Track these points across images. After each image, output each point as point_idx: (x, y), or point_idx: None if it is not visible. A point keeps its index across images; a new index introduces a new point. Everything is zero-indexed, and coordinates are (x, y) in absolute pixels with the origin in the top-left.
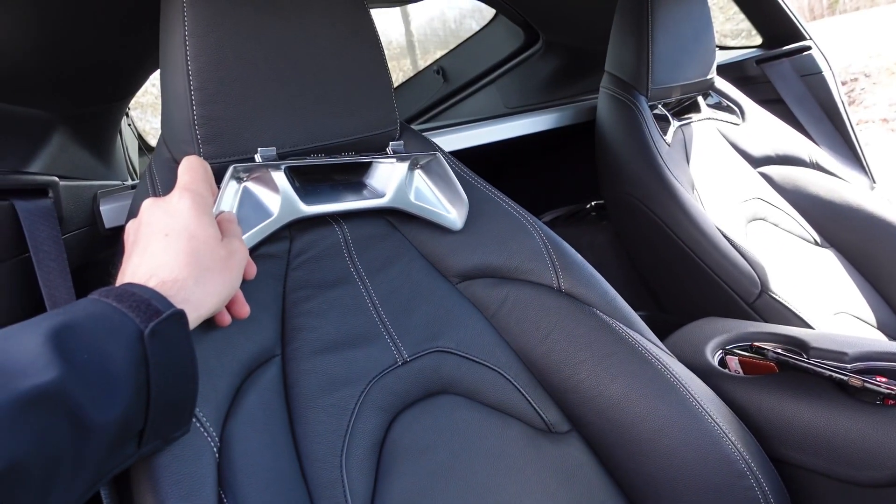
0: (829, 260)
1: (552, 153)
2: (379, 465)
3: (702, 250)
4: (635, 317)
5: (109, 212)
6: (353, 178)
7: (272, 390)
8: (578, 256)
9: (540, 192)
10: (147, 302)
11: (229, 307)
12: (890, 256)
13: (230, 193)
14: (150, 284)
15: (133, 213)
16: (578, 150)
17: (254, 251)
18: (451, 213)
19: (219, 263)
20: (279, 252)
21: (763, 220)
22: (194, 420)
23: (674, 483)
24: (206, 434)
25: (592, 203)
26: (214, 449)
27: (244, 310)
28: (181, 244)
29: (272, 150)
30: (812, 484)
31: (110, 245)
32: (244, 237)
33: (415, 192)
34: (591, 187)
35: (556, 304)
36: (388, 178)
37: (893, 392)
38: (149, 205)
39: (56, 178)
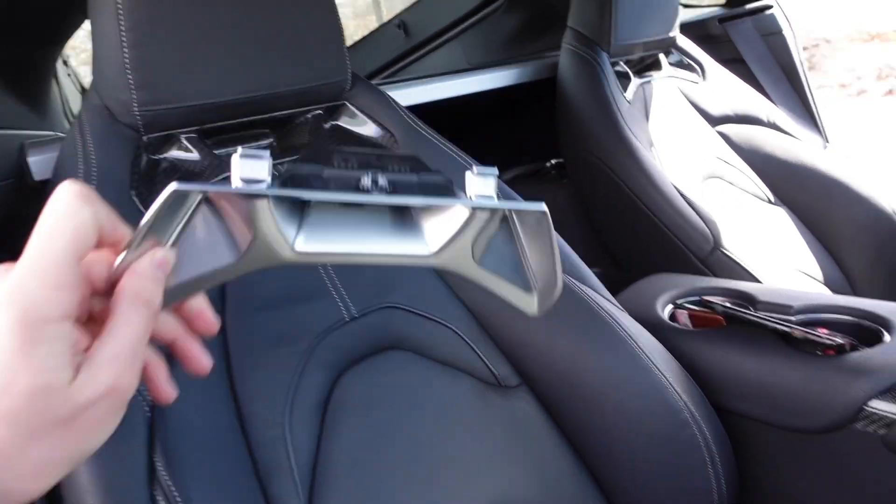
0: (781, 218)
1: (513, 110)
2: (323, 423)
3: (657, 208)
4: (588, 272)
5: (38, 163)
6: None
7: (211, 345)
8: None
9: (501, 151)
10: None
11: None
12: (839, 215)
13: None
14: None
15: (60, 165)
16: (540, 107)
17: None
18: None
19: (56, 426)
20: None
21: (719, 178)
22: None
23: (621, 434)
24: (136, 395)
25: (553, 161)
26: (146, 408)
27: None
28: None
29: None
30: (753, 432)
31: (39, 198)
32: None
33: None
34: (552, 146)
35: None
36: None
37: (833, 342)
38: None
39: None
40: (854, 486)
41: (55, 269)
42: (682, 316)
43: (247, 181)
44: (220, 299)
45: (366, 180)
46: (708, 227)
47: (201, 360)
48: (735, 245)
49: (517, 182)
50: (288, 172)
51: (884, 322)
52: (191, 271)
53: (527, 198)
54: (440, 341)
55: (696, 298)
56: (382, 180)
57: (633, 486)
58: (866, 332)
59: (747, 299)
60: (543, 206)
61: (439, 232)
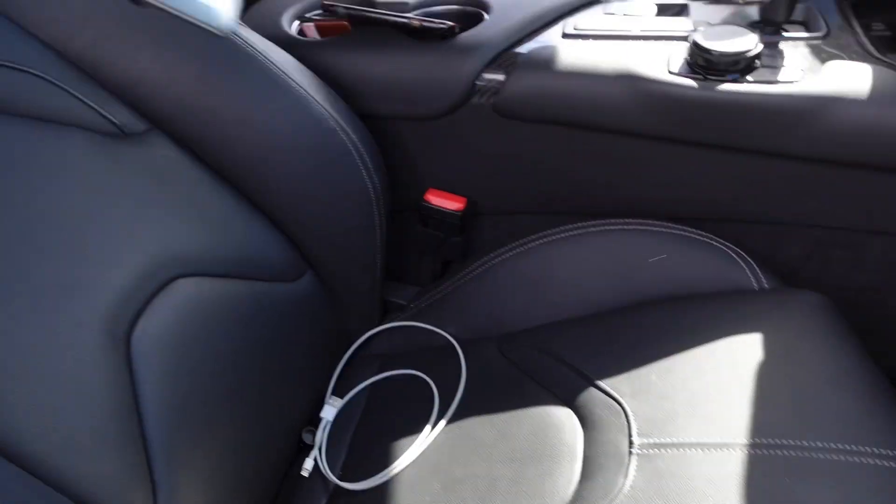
0: None
1: None
2: None
3: None
4: None
5: None
6: None
7: None
8: None
9: None
10: None
11: None
12: None
13: None
14: None
15: None
16: None
17: None
18: None
19: None
20: None
21: None
22: None
23: (273, 154)
24: None
25: None
26: None
27: None
28: None
29: None
30: (398, 129)
31: None
32: None
33: None
34: None
35: None
36: None
37: (444, 27)
38: None
39: None
40: (477, 157)
41: None
42: (310, 29)
43: None
44: None
45: None
46: None
47: None
48: None
49: None
50: None
51: (483, 5)
52: None
53: None
54: (27, 94)
55: (317, 10)
56: None
57: (296, 203)
58: (471, 17)
59: (367, 3)
60: None
61: None
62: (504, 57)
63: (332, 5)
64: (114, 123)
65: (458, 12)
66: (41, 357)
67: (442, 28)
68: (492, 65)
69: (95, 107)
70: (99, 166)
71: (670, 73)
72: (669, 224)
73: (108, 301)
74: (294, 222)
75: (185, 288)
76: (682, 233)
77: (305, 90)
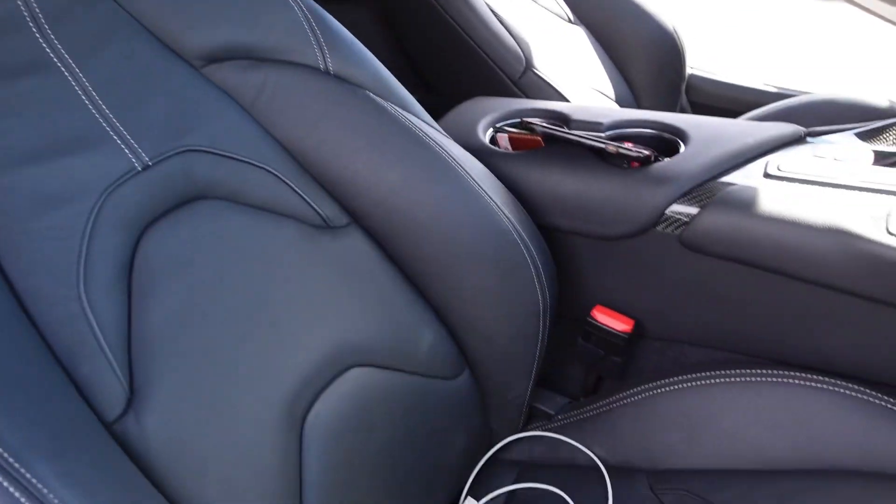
0: (579, 37)
1: None
2: (131, 289)
3: (471, 28)
4: (411, 98)
5: None
6: None
7: None
8: (346, 32)
9: None
10: None
11: None
12: (628, 33)
13: None
14: None
15: None
16: None
17: None
18: None
19: None
20: None
21: None
22: None
23: (455, 260)
24: None
25: None
26: None
27: None
28: None
29: None
30: (574, 244)
31: None
32: None
33: None
34: None
35: (324, 88)
36: None
37: (640, 155)
38: None
39: None
40: (653, 281)
41: None
42: (503, 139)
43: None
44: None
45: None
46: (520, 48)
47: None
48: (545, 65)
49: None
50: None
51: (680, 133)
52: None
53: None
54: (256, 185)
55: (515, 121)
56: None
57: (469, 307)
58: (666, 143)
59: (562, 119)
60: None
61: None
62: (699, 190)
63: (531, 123)
64: (321, 216)
65: (653, 137)
66: (227, 429)
67: (639, 157)
68: (685, 196)
69: (309, 200)
70: (303, 255)
71: (889, 233)
72: (865, 389)
73: (292, 384)
74: (462, 323)
75: (358, 377)
76: (881, 402)
77: (494, 201)
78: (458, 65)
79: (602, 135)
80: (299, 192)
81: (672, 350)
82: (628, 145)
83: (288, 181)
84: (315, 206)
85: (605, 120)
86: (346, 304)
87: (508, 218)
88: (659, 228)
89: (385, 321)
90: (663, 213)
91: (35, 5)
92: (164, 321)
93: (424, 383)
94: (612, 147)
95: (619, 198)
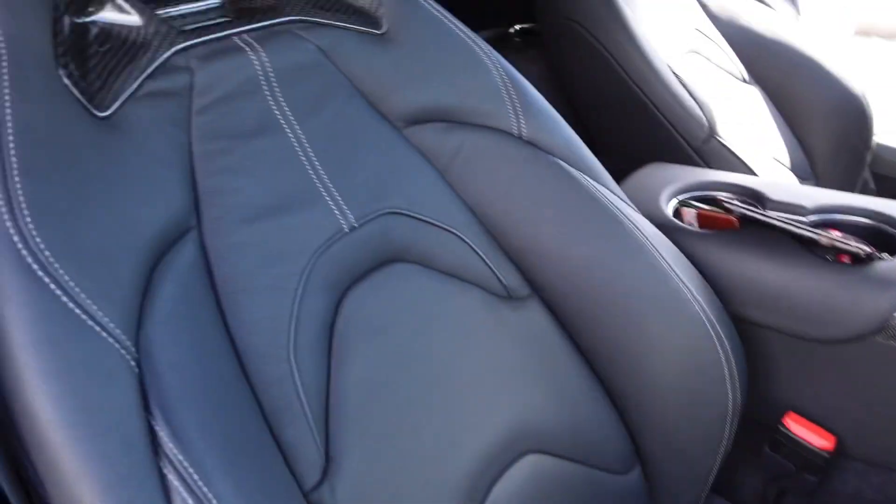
0: (756, 98)
1: None
2: (331, 352)
3: (650, 88)
4: (600, 167)
5: None
6: None
7: (193, 274)
8: (540, 96)
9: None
10: None
11: None
12: (808, 95)
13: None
14: None
15: None
16: None
17: (137, 91)
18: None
19: None
20: (177, 88)
21: (696, 52)
22: (97, 328)
23: (638, 346)
24: (116, 345)
25: (517, 27)
26: (132, 363)
27: None
28: None
29: None
30: (769, 340)
31: None
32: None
33: None
34: (513, 6)
35: (516, 154)
36: None
37: (858, 251)
38: None
39: None
40: (864, 394)
41: None
42: (689, 214)
43: None
44: (193, 212)
45: None
46: (703, 113)
47: None
48: (727, 131)
49: None
50: None
51: None
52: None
53: None
54: (446, 250)
55: (701, 194)
56: None
57: (649, 399)
58: (883, 237)
59: (755, 197)
60: None
61: None
62: None
63: (728, 202)
64: (504, 285)
65: (868, 229)
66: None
67: (858, 254)
68: None
69: (494, 268)
70: (486, 326)
71: None
72: None
73: (474, 465)
74: (639, 415)
75: (533, 463)
76: None
77: (686, 284)
78: (632, 126)
79: (805, 219)
80: (486, 259)
81: (877, 476)
82: (836, 234)
83: (476, 248)
84: (499, 275)
85: (809, 203)
86: (525, 383)
87: (700, 304)
88: (879, 338)
89: (562, 404)
90: (887, 322)
91: (270, 70)
92: (356, 387)
93: (596, 476)
94: (825, 239)
95: (832, 297)
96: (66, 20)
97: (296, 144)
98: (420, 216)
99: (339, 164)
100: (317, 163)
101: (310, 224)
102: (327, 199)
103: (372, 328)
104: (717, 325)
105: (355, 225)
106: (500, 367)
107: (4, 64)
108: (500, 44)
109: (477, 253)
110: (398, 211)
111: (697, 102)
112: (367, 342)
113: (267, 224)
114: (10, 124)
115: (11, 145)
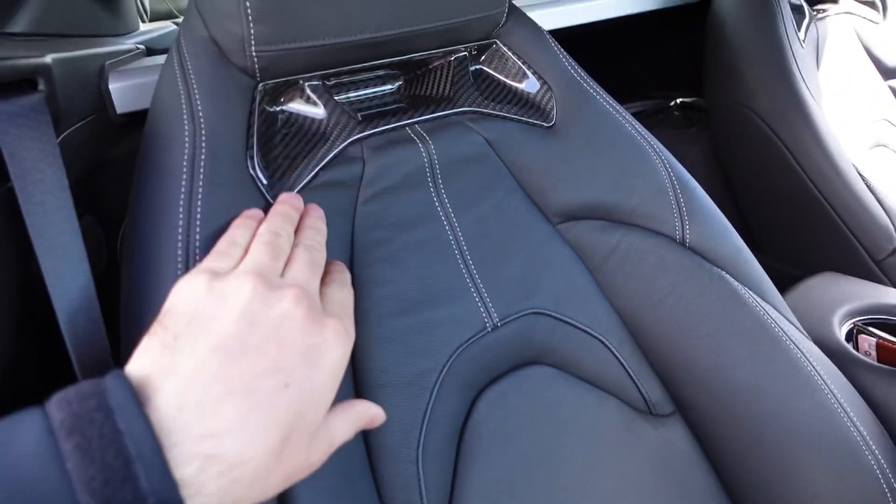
0: None
1: (648, 38)
2: (458, 456)
3: (830, 189)
4: (769, 283)
5: (122, 92)
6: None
7: None
8: (708, 199)
9: (610, 80)
10: (127, 463)
11: None
12: None
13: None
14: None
15: (161, 114)
16: (666, 33)
17: (313, 181)
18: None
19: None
20: (348, 178)
21: (885, 146)
22: None
23: (794, 494)
24: None
25: (678, 101)
26: None
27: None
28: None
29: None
30: None
31: (125, 136)
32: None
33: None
34: (676, 78)
35: (677, 261)
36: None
37: None
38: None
39: (49, 61)
40: None
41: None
42: (866, 342)
43: None
44: None
45: None
46: (892, 222)
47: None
48: None
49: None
50: None
51: None
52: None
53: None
54: (588, 356)
55: (883, 318)
56: None
57: None
58: None
59: None
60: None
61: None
62: None
63: None
64: (646, 401)
65: None
66: None
67: None
68: None
69: (637, 380)
70: (622, 441)
71: None
72: None
73: None
74: None
75: None
76: None
77: (862, 433)
78: (803, 227)
79: None
80: (629, 370)
81: None
82: None
83: (619, 356)
84: (642, 389)
85: None
86: None
87: (875, 455)
88: None
89: None
90: None
91: (437, 162)
92: (479, 495)
93: None
94: None
95: None
96: (259, 110)
97: (451, 237)
98: (564, 318)
99: (490, 258)
100: (468, 256)
101: (455, 320)
102: (475, 294)
103: (501, 433)
104: (894, 482)
105: (498, 324)
106: (633, 487)
107: (202, 157)
108: (660, 117)
109: (621, 362)
110: (543, 311)
111: (885, 209)
112: (495, 448)
113: (413, 319)
114: (199, 215)
115: (198, 235)
